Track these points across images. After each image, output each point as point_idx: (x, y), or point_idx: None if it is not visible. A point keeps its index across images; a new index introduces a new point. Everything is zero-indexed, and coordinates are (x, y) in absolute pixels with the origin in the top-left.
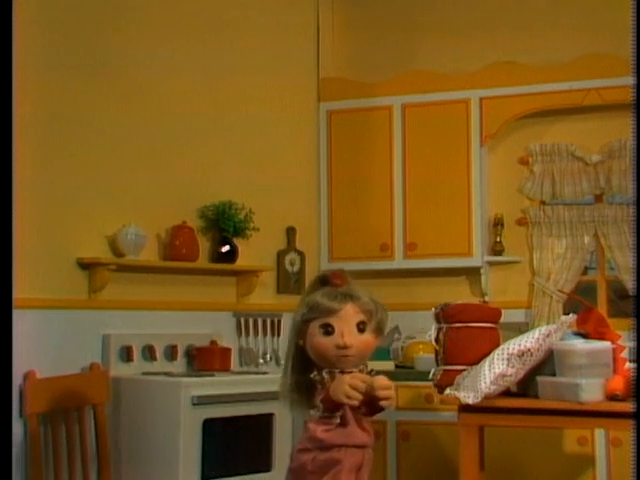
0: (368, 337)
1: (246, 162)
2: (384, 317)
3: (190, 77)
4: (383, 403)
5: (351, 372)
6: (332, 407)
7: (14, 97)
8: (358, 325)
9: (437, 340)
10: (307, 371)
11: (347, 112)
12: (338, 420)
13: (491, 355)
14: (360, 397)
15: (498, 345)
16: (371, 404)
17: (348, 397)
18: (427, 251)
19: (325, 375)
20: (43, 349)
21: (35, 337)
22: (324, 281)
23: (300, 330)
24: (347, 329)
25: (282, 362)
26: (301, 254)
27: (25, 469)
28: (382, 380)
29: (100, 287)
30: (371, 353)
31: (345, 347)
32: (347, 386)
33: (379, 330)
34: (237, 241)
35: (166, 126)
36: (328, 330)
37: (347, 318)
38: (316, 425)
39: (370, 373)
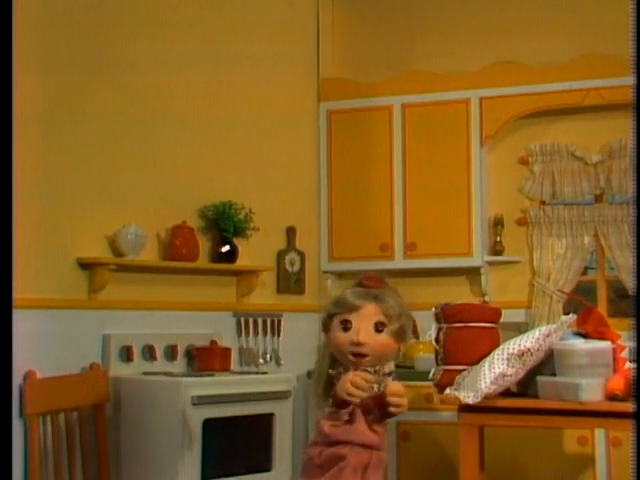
0: (385, 338)
1: (246, 162)
2: (407, 324)
3: (190, 77)
4: (392, 410)
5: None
6: (340, 403)
7: (14, 97)
8: (376, 325)
9: (437, 340)
10: (332, 367)
11: (347, 112)
12: (346, 417)
13: (491, 355)
14: (361, 395)
15: (498, 345)
16: (382, 408)
17: (349, 394)
18: (427, 251)
19: (341, 370)
20: (43, 349)
21: (35, 337)
22: (357, 282)
23: (325, 325)
24: (364, 327)
25: (282, 362)
26: (301, 254)
27: (25, 469)
28: (395, 386)
29: (100, 287)
30: (390, 356)
31: (358, 344)
32: (348, 384)
33: (399, 335)
34: (237, 241)
35: (166, 126)
36: (347, 326)
37: (366, 316)
38: (325, 420)
39: (389, 374)
